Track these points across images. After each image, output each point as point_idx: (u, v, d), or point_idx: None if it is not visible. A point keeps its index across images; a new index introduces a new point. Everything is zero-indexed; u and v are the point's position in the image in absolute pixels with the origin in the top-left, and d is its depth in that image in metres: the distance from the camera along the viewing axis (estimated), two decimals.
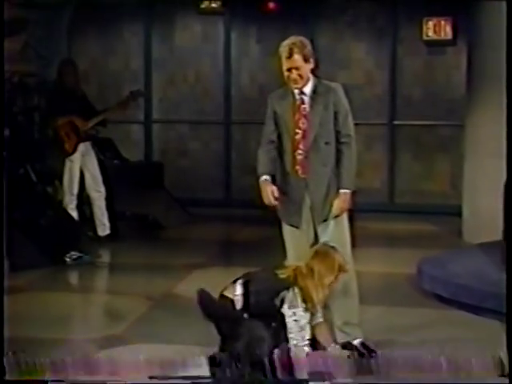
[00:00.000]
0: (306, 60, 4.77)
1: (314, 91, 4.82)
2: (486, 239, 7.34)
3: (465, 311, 5.85)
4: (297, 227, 4.87)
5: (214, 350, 4.46)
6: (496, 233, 6.72)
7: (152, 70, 11.33)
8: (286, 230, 4.93)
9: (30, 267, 7.03)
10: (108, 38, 11.37)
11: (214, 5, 10.93)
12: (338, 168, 4.82)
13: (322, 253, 4.54)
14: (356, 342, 4.87)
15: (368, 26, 10.79)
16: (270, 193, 4.82)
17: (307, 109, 4.81)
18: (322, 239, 4.80)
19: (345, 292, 4.87)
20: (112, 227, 8.38)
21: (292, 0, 10.63)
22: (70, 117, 8.07)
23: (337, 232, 4.81)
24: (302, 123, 4.80)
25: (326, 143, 4.79)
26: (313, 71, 4.86)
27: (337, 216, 4.81)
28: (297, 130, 4.80)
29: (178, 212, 9.95)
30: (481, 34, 8.28)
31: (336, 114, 4.80)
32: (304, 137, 4.79)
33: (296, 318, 4.42)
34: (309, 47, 4.82)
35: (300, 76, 4.76)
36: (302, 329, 4.42)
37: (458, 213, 8.78)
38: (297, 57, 4.74)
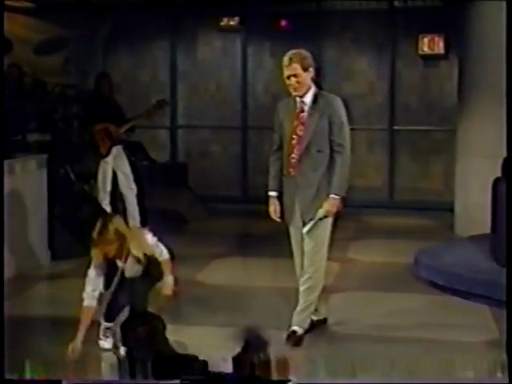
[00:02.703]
0: (304, 69, 4.61)
1: (314, 101, 4.66)
2: (475, 232, 7.30)
3: (456, 296, 5.81)
4: (288, 224, 4.79)
5: (232, 330, 4.41)
6: (484, 227, 6.67)
7: (177, 81, 11.31)
8: (289, 227, 4.84)
9: (69, 256, 7.02)
10: (138, 53, 11.36)
11: (232, 23, 10.90)
12: (329, 174, 4.64)
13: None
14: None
15: (370, 41, 10.73)
16: (272, 211, 4.77)
17: (305, 117, 4.66)
18: (303, 233, 4.69)
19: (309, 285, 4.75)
20: (142, 221, 8.38)
21: (302, 19, 10.60)
22: (105, 124, 8.08)
23: (318, 230, 4.67)
24: (300, 130, 4.65)
25: (318, 151, 4.63)
26: (316, 83, 4.74)
27: (324, 217, 4.66)
28: (293, 136, 4.66)
29: (200, 207, 9.93)
30: (470, 49, 8.21)
31: (331, 124, 4.62)
32: (299, 143, 4.65)
33: None
34: (308, 58, 4.65)
35: (298, 83, 4.60)
36: None
37: (450, 209, 8.71)
38: (295, 65, 4.59)
